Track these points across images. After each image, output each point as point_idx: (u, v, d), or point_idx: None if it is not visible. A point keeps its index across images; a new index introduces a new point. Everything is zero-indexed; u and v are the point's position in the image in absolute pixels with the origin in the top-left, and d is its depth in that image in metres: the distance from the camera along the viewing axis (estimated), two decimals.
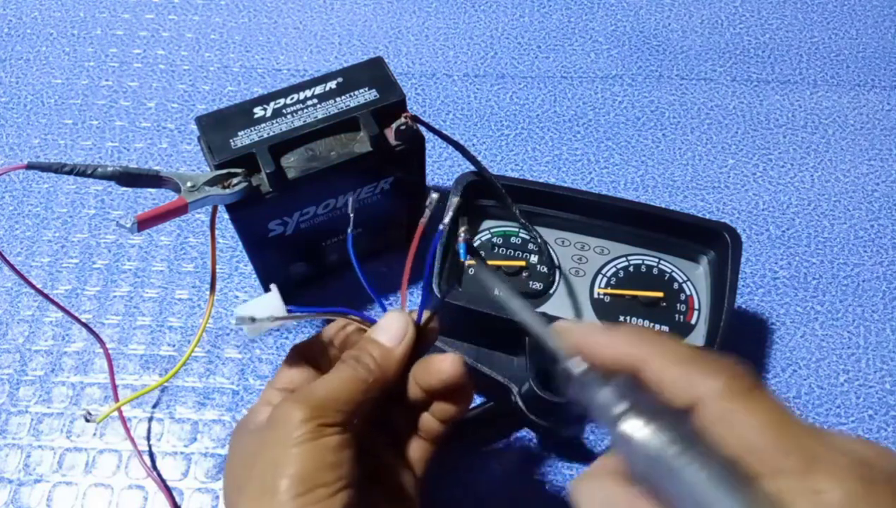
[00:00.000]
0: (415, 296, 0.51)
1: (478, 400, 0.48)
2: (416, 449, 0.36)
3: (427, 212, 0.33)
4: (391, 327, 0.33)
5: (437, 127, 0.44)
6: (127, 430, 0.46)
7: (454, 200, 0.46)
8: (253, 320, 0.31)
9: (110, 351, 0.49)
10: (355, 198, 0.46)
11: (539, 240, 0.47)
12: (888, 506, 0.20)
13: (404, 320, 0.33)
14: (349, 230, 0.36)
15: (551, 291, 0.46)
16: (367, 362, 0.32)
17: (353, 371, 0.32)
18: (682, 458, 0.22)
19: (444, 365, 0.33)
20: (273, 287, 0.34)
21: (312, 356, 0.36)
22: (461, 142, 0.45)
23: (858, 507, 0.20)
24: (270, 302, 0.33)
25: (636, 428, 0.23)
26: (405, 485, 0.35)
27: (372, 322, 0.35)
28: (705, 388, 0.23)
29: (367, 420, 0.34)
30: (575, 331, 0.26)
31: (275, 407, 0.31)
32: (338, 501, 0.29)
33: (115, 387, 0.47)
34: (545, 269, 0.47)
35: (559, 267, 0.47)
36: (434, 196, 0.33)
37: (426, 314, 0.34)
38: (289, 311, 0.33)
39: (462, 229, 0.33)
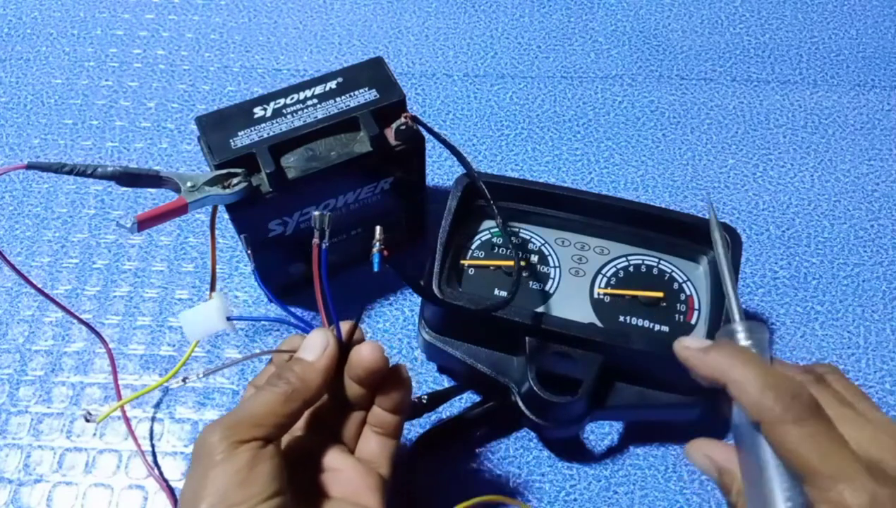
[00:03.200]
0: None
1: (478, 400, 0.48)
2: (376, 446, 0.36)
3: (315, 233, 0.35)
4: (312, 344, 0.35)
5: (437, 127, 0.44)
6: (130, 429, 0.46)
7: (453, 203, 0.46)
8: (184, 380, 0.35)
9: (111, 351, 0.49)
10: (349, 201, 0.46)
11: (531, 245, 0.47)
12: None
13: (323, 336, 0.35)
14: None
15: (551, 291, 0.46)
16: (288, 376, 0.33)
17: (272, 389, 0.33)
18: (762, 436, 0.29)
19: (363, 353, 0.35)
20: (214, 295, 0.37)
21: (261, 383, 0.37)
22: (461, 142, 0.45)
23: None
24: (212, 309, 0.36)
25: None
26: (364, 487, 0.35)
27: (306, 331, 0.37)
28: (769, 416, 0.29)
29: (312, 430, 0.36)
30: (685, 344, 0.33)
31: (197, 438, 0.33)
32: None
33: (117, 386, 0.47)
34: (545, 269, 0.47)
35: (559, 267, 0.47)
36: (315, 214, 0.35)
37: (346, 327, 0.36)
38: (228, 320, 0.36)
39: (377, 239, 0.34)
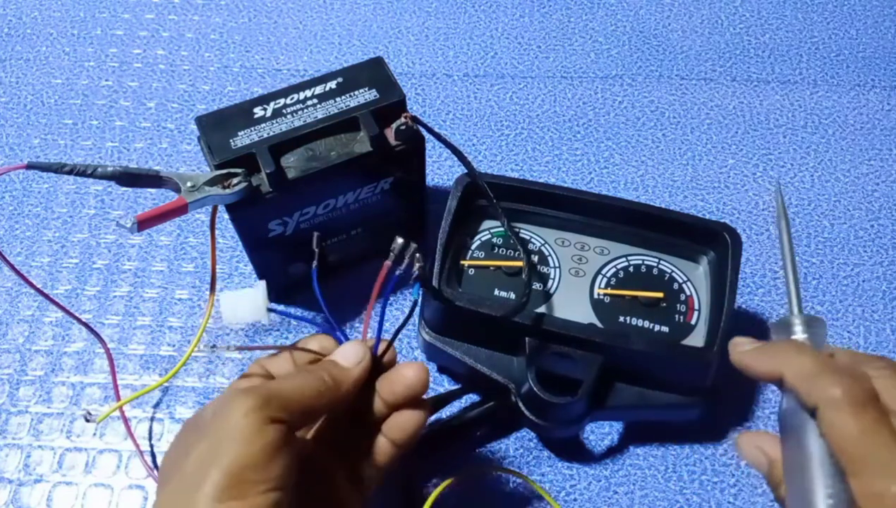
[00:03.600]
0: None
1: (478, 400, 0.48)
2: (368, 473, 0.36)
3: (392, 256, 0.34)
4: (349, 352, 0.35)
5: (437, 127, 0.44)
6: (129, 429, 0.46)
7: (453, 203, 0.46)
8: (214, 347, 0.35)
9: (111, 351, 0.49)
10: (349, 201, 0.46)
11: (531, 245, 0.47)
12: None
13: (362, 347, 0.35)
14: (314, 264, 0.37)
15: (551, 291, 0.46)
16: (323, 374, 0.33)
17: (309, 377, 0.32)
18: (809, 427, 0.29)
19: (409, 371, 0.35)
20: (261, 283, 0.36)
21: (275, 367, 0.37)
22: (461, 142, 0.45)
23: None
24: (255, 297, 0.36)
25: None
26: (349, 505, 0.35)
27: (342, 341, 0.37)
28: (825, 397, 0.28)
29: (319, 441, 0.36)
30: (739, 349, 0.33)
31: (223, 397, 0.31)
32: (264, 502, 0.28)
33: (116, 387, 0.47)
34: (545, 269, 0.47)
35: (559, 268, 0.47)
36: (399, 241, 0.34)
37: (383, 345, 0.36)
38: (270, 311, 0.36)
39: (417, 263, 0.34)
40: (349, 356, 0.34)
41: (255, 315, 0.36)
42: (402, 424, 0.35)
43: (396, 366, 0.35)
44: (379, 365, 0.36)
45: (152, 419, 0.48)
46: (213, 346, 0.34)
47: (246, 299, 0.36)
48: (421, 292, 0.36)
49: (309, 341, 0.37)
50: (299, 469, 0.31)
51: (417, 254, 0.34)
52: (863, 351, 0.51)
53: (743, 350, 0.33)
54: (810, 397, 0.29)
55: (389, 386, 0.35)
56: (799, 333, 0.33)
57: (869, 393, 0.28)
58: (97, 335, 0.44)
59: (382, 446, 0.35)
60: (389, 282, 0.34)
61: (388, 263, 0.34)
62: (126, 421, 0.46)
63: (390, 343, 0.36)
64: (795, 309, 0.35)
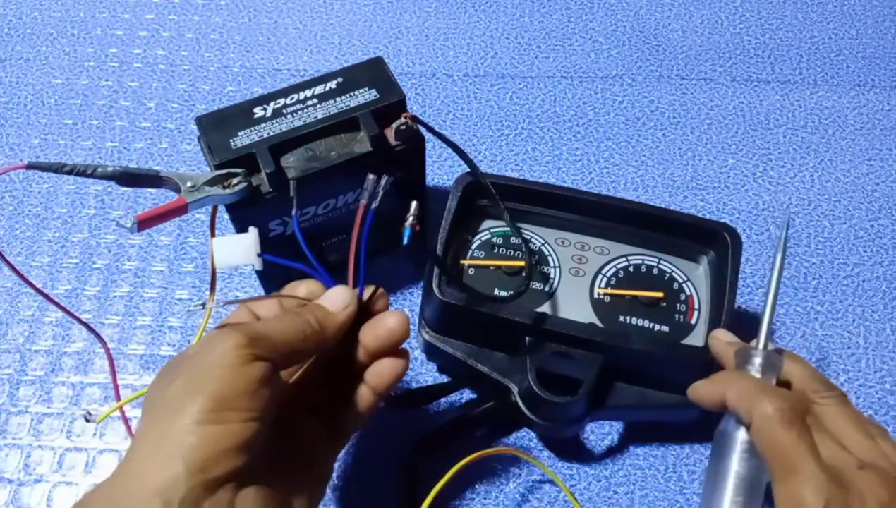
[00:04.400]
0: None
1: (478, 400, 0.48)
2: (347, 421, 0.37)
3: (365, 194, 0.36)
4: (335, 297, 0.35)
5: (437, 127, 0.44)
6: (129, 429, 0.46)
7: (453, 203, 0.46)
8: (203, 306, 0.35)
9: (111, 352, 0.49)
10: (349, 201, 0.46)
11: (531, 245, 0.47)
12: None
13: (348, 293, 0.36)
14: (293, 212, 0.38)
15: (551, 291, 0.46)
16: (308, 317, 0.34)
17: (294, 319, 0.33)
18: (735, 449, 0.34)
19: (391, 318, 0.36)
20: (252, 229, 0.37)
21: (263, 311, 0.37)
22: (461, 142, 0.45)
23: None
24: (247, 242, 0.36)
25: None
26: (321, 459, 0.36)
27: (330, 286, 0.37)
28: (756, 414, 0.32)
29: (299, 385, 0.37)
30: (718, 337, 0.40)
31: (209, 335, 0.32)
32: (246, 430, 0.29)
33: (116, 387, 0.47)
34: (545, 269, 0.47)
35: (559, 267, 0.47)
36: (371, 177, 0.36)
37: (368, 290, 0.37)
38: (259, 256, 0.36)
39: (411, 213, 0.35)
40: (336, 301, 0.35)
41: (247, 259, 0.36)
42: (383, 372, 0.36)
43: (379, 315, 0.36)
44: (364, 311, 0.36)
45: None
46: (203, 304, 0.34)
47: (238, 244, 0.36)
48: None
49: (297, 286, 0.38)
50: (278, 408, 0.31)
51: (414, 210, 0.35)
52: (862, 351, 0.52)
53: (722, 341, 0.39)
54: (748, 414, 0.33)
55: (373, 332, 0.36)
56: (756, 365, 0.36)
57: (798, 412, 0.32)
58: (97, 335, 0.44)
59: (363, 393, 0.36)
60: (366, 221, 0.35)
61: (363, 202, 0.36)
62: (126, 421, 0.46)
63: (376, 289, 0.37)
64: (761, 345, 0.36)
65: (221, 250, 0.36)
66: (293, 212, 0.39)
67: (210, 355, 0.30)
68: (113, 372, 0.46)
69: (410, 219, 0.35)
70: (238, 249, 0.36)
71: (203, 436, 0.28)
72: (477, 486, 0.46)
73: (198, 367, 0.30)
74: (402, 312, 0.36)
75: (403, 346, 0.37)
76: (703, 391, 0.37)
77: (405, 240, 0.35)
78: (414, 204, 0.35)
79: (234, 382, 0.29)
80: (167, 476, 0.27)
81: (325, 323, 0.34)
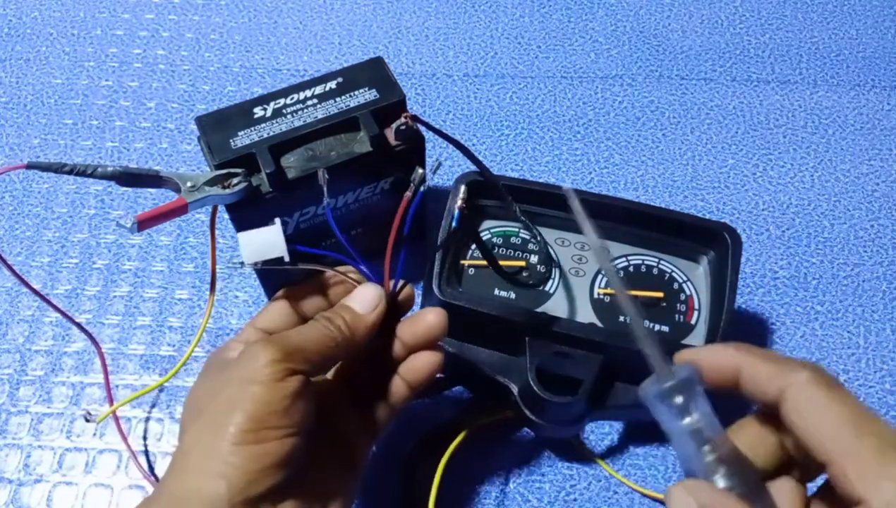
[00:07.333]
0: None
1: (478, 400, 0.48)
2: (381, 414, 0.37)
3: (412, 186, 0.36)
4: (364, 296, 0.36)
5: (437, 127, 0.44)
6: (121, 434, 0.46)
7: (453, 203, 0.46)
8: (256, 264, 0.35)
9: (110, 351, 0.49)
10: (349, 201, 0.46)
11: (539, 239, 0.47)
12: None
13: (377, 292, 0.36)
14: (325, 202, 0.38)
15: (551, 291, 0.46)
16: (339, 323, 0.34)
17: (324, 328, 0.34)
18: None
19: (430, 314, 0.36)
20: (277, 221, 0.36)
21: (297, 301, 0.38)
22: (461, 141, 0.45)
23: None
24: (274, 234, 0.36)
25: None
26: (358, 453, 0.36)
27: (371, 279, 0.37)
28: (792, 379, 0.26)
29: (335, 381, 0.37)
30: (689, 354, 0.30)
31: (247, 345, 0.32)
32: (283, 447, 0.30)
33: (108, 389, 0.46)
34: (545, 269, 0.47)
35: (559, 267, 0.47)
36: (420, 171, 0.36)
37: (400, 284, 0.37)
38: (290, 249, 0.36)
39: (460, 197, 0.37)
40: (366, 301, 0.36)
41: (277, 250, 0.36)
42: (419, 366, 0.37)
43: (419, 311, 0.37)
44: (395, 304, 0.37)
45: (150, 419, 0.48)
46: (241, 264, 0.34)
47: (265, 236, 0.36)
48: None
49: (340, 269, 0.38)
50: (315, 413, 0.32)
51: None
52: (862, 351, 0.51)
53: (696, 351, 0.30)
54: (777, 380, 0.26)
55: (411, 328, 0.36)
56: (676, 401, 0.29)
57: (834, 376, 0.26)
58: (91, 337, 0.44)
59: (398, 387, 0.37)
60: (411, 212, 0.35)
61: (408, 194, 0.36)
62: (119, 424, 0.46)
63: (405, 283, 0.37)
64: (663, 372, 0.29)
65: (248, 244, 0.36)
66: (325, 202, 0.38)
67: (247, 369, 0.31)
68: (105, 375, 0.46)
69: (459, 202, 0.37)
70: (265, 242, 0.36)
71: (244, 457, 0.29)
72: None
73: (236, 382, 0.31)
74: (440, 309, 0.37)
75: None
76: (710, 359, 0.29)
77: (455, 223, 0.37)
78: (463, 187, 0.38)
79: (270, 400, 0.30)
80: (213, 494, 0.28)
81: (356, 326, 0.35)
